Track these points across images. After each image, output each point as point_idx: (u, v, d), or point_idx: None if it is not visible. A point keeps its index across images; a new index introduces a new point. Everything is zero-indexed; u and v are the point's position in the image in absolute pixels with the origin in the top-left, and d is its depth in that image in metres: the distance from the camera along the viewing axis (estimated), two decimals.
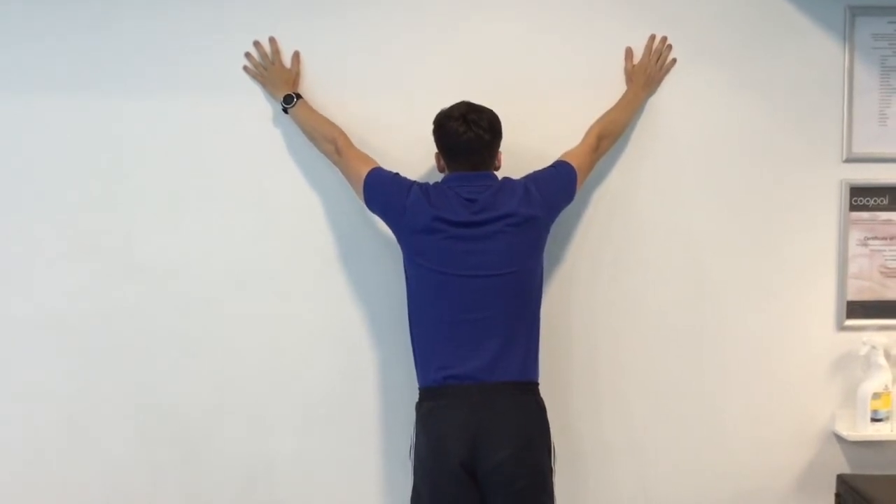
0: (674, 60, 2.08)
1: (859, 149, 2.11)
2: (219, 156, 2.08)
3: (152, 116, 2.07)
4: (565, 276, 2.12)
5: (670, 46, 2.07)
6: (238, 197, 2.09)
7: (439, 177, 1.91)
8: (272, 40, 2.03)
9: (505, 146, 1.86)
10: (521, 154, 2.00)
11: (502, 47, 2.08)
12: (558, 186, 1.87)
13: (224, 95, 2.06)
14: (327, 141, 1.95)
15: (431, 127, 1.83)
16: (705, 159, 2.11)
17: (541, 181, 1.85)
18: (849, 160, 2.11)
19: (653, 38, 2.06)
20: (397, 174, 1.87)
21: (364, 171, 1.86)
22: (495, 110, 1.82)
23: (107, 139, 2.08)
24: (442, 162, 1.86)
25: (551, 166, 1.90)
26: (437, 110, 1.83)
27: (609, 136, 1.99)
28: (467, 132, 1.77)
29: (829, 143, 2.11)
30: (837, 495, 2.01)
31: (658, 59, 2.06)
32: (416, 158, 2.01)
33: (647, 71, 2.05)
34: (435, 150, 1.86)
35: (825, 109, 2.11)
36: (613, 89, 2.07)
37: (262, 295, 2.11)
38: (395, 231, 1.85)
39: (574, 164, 1.89)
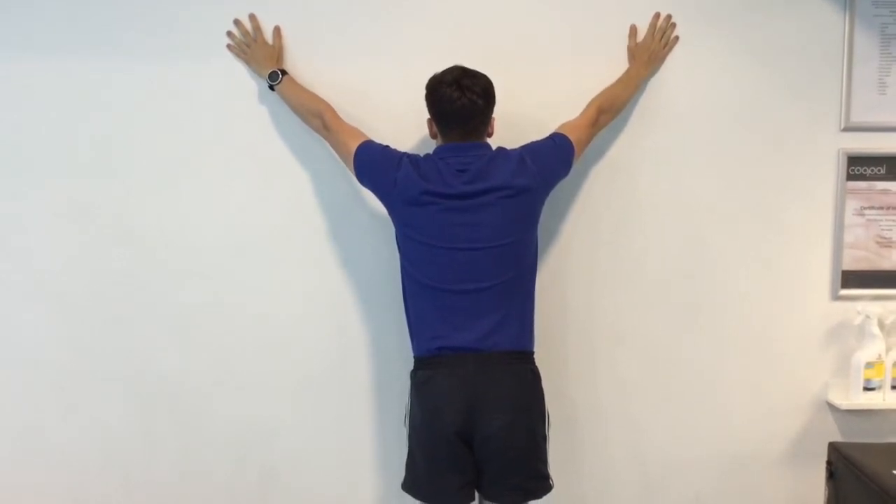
0: (676, 38, 2.05)
1: (857, 118, 2.10)
2: (213, 123, 2.07)
3: (146, 83, 2.05)
4: (563, 244, 2.11)
5: (674, 25, 2.05)
6: (231, 165, 2.08)
7: (431, 146, 1.88)
8: (252, 17, 2.01)
9: (499, 113, 1.84)
10: (515, 121, 1.99)
11: (498, 10, 2.05)
12: (555, 159, 1.84)
13: (218, 62, 2.04)
14: (314, 116, 1.93)
15: (424, 92, 1.80)
16: (703, 127, 2.10)
17: (537, 153, 1.82)
18: (847, 129, 2.10)
19: (657, 16, 2.04)
20: (387, 147, 1.84)
21: (353, 146, 1.83)
22: (489, 75, 1.78)
23: (100, 106, 2.06)
24: (434, 128, 1.83)
25: (549, 138, 1.87)
26: (431, 74, 1.80)
27: (609, 111, 1.97)
28: (461, 98, 1.73)
29: (828, 111, 2.10)
30: (829, 463, 2.02)
31: (662, 37, 2.04)
32: (409, 124, 1.99)
33: (651, 49, 2.03)
34: (427, 115, 1.83)
35: (824, 77, 2.09)
36: (611, 55, 2.06)
37: (256, 263, 2.11)
38: (386, 204, 1.83)
39: (572, 137, 1.86)
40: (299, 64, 2.04)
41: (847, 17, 2.07)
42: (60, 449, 2.15)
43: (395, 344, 2.07)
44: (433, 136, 1.85)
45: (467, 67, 1.78)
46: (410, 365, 1.86)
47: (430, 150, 1.88)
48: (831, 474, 2.01)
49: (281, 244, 2.11)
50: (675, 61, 2.07)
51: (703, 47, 2.07)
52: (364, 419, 2.16)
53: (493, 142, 1.86)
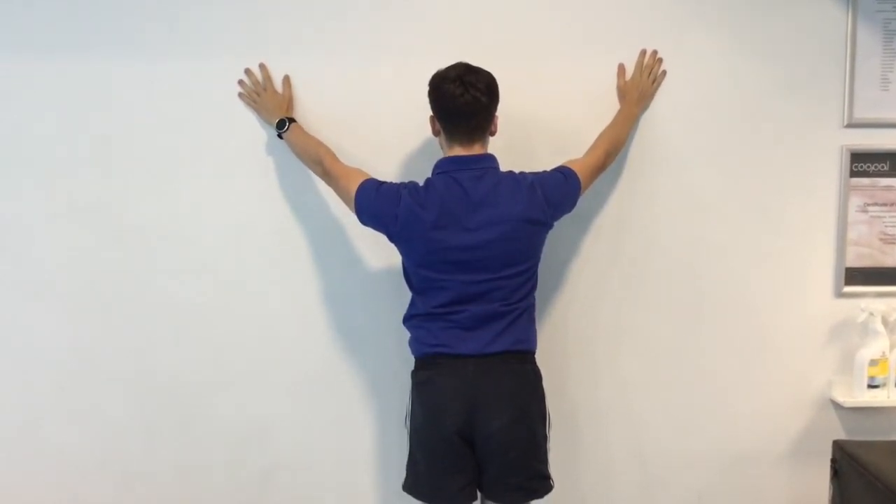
0: (664, 73, 2.06)
1: (860, 114, 2.09)
2: (213, 123, 2.06)
3: (146, 83, 2.05)
4: (564, 243, 2.11)
5: (661, 60, 2.06)
6: (231, 164, 2.08)
7: (434, 145, 1.88)
8: (262, 66, 2.02)
9: (501, 110, 1.82)
10: (517, 119, 1.98)
11: (500, 7, 2.04)
12: (565, 194, 1.83)
13: (218, 62, 2.04)
14: (315, 163, 1.93)
15: (427, 89, 1.78)
16: (705, 124, 2.10)
17: (548, 185, 1.79)
18: (850, 125, 2.09)
19: (643, 53, 2.05)
20: (383, 183, 1.80)
21: (353, 189, 1.80)
22: (492, 72, 1.76)
23: (99, 105, 2.05)
24: (437, 126, 1.81)
25: (560, 173, 1.84)
26: (433, 71, 1.78)
27: (613, 154, 1.98)
28: (464, 95, 1.71)
29: (830, 108, 2.10)
30: (833, 461, 2.02)
31: (649, 73, 2.05)
32: (411, 122, 1.98)
33: (640, 87, 2.04)
34: (430, 112, 1.81)
35: (826, 74, 2.09)
36: (611, 51, 2.06)
37: (256, 262, 2.11)
38: (391, 240, 1.81)
39: (580, 175, 1.85)
40: (300, 64, 2.04)
41: (849, 13, 2.07)
42: (60, 448, 2.14)
43: (395, 344, 2.06)
44: (436, 133, 1.84)
45: (471, 64, 1.76)
46: (410, 365, 1.85)
47: (432, 147, 1.87)
48: (835, 472, 2.00)
49: (281, 243, 2.10)
50: (677, 59, 2.07)
51: (705, 45, 2.07)
52: (364, 419, 2.16)
53: (495, 140, 1.84)
